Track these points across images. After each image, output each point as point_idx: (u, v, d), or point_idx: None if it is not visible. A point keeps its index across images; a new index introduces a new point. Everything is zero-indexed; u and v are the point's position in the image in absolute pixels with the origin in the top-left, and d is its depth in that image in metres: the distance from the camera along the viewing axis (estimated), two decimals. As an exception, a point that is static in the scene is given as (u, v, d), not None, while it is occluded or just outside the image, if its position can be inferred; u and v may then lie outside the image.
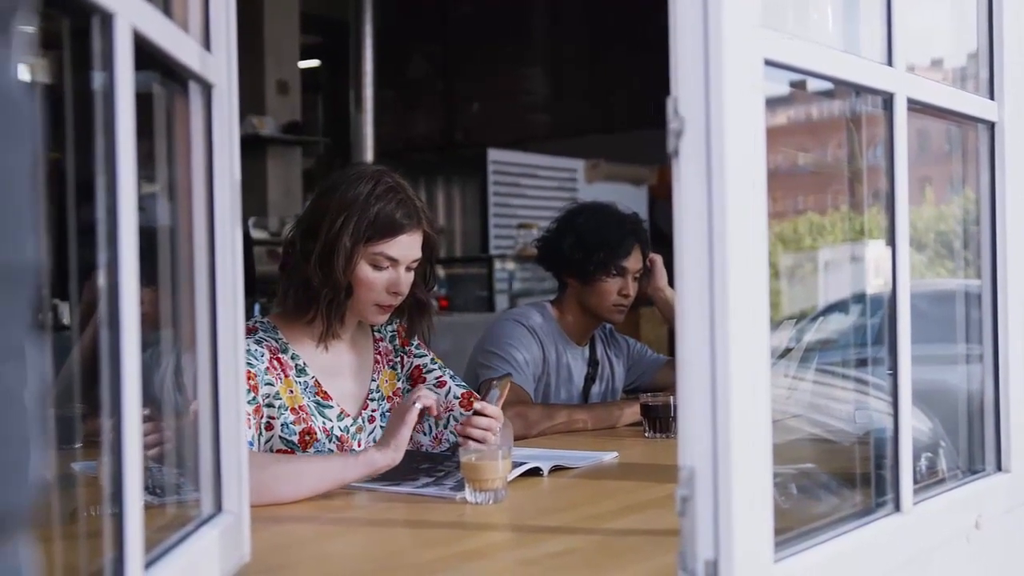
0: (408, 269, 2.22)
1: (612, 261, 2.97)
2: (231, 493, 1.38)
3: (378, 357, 2.37)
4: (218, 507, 1.37)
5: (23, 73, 0.60)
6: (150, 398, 1.14)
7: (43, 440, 0.61)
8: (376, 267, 2.18)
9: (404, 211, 2.18)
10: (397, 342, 2.41)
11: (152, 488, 1.39)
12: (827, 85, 1.56)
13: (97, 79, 1.01)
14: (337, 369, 2.28)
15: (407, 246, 2.19)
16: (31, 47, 0.63)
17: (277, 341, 2.21)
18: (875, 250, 1.85)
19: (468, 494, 1.86)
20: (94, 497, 1.43)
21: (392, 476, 2.02)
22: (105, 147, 1.00)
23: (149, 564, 1.09)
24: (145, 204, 1.14)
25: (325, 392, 2.23)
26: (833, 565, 1.36)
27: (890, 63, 1.51)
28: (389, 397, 2.35)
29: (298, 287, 2.20)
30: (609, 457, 2.33)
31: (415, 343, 2.42)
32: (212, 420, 1.36)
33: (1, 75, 0.58)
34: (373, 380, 2.34)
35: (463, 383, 2.40)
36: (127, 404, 1.01)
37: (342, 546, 1.66)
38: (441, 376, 2.39)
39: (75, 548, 1.21)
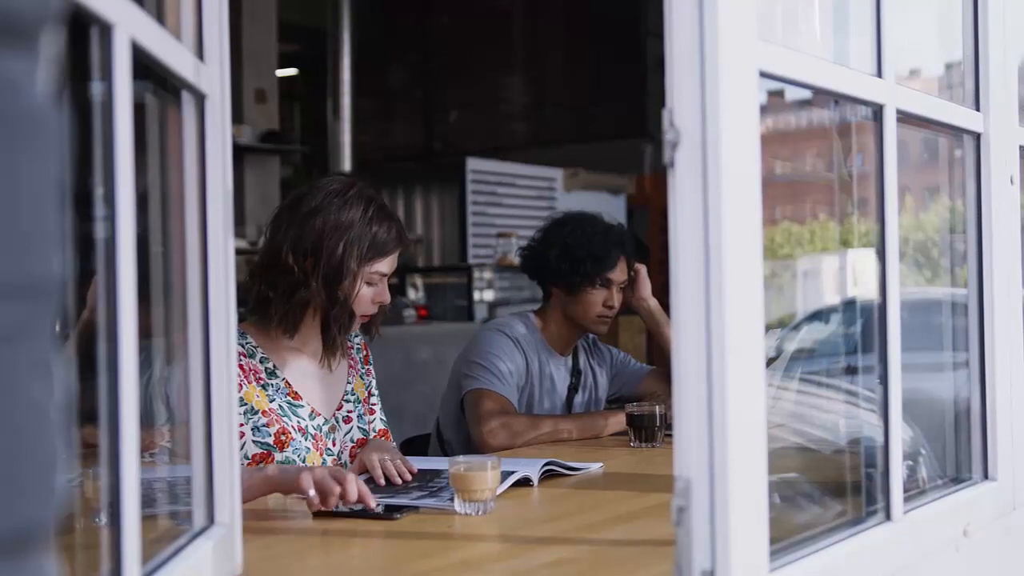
0: (389, 280, 2.33)
1: (598, 273, 2.96)
2: (223, 505, 1.37)
3: (351, 363, 2.44)
4: (211, 519, 1.36)
5: (49, 87, 0.60)
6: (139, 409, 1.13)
7: (67, 454, 0.61)
8: (370, 283, 2.28)
9: (397, 229, 2.30)
10: (361, 356, 2.50)
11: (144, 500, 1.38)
12: (805, 94, 1.57)
13: (95, 89, 1.00)
14: (310, 372, 2.33)
15: (395, 260, 2.32)
16: (56, 61, 0.62)
17: (244, 346, 2.25)
18: (854, 259, 1.87)
19: (457, 505, 1.85)
20: (82, 509, 1.42)
21: (385, 490, 2.01)
22: (104, 157, 0.99)
23: (145, 577, 1.08)
24: (137, 214, 1.13)
25: (296, 392, 2.28)
26: (827, 574, 1.36)
27: (879, 74, 1.52)
28: (364, 400, 2.43)
29: (298, 307, 2.24)
30: (595, 467, 2.33)
31: (370, 364, 2.52)
32: (204, 432, 1.36)
33: (28, 90, 0.58)
34: (348, 383, 2.40)
35: (385, 419, 2.49)
36: (124, 417, 1.00)
37: (333, 558, 1.66)
38: (375, 405, 2.49)
39: (67, 559, 1.20)
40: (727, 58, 1.15)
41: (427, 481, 2.11)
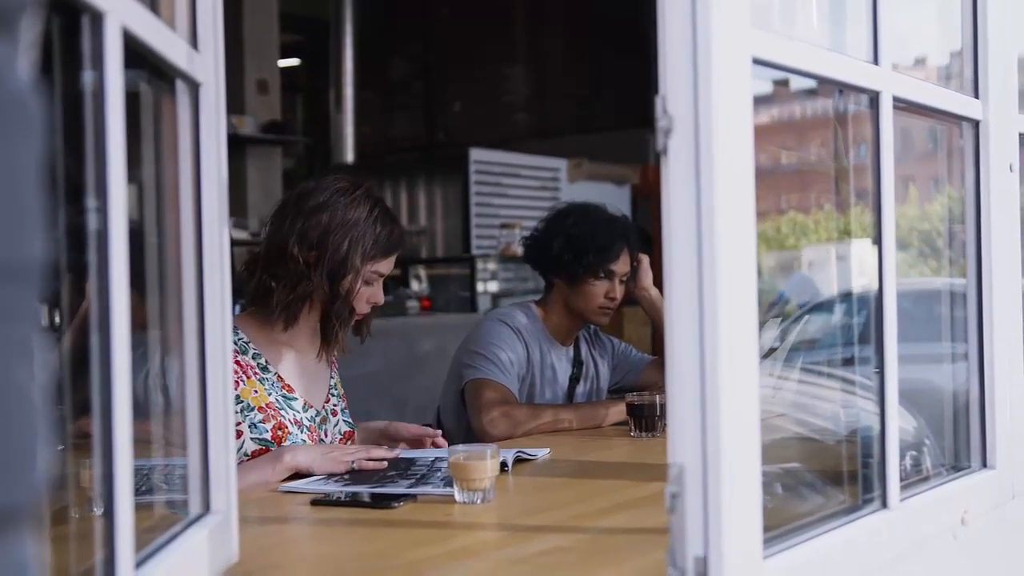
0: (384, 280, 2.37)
1: (600, 264, 2.96)
2: (219, 493, 1.37)
3: (333, 360, 2.48)
4: (206, 507, 1.36)
5: (28, 72, 0.60)
6: (135, 399, 1.14)
7: (49, 435, 0.61)
8: (368, 282, 2.30)
9: (399, 232, 2.34)
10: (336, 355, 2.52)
11: (139, 488, 1.39)
12: (810, 84, 1.56)
13: (86, 78, 1.00)
14: (299, 366, 2.36)
15: (392, 262, 2.36)
16: (35, 46, 0.63)
17: (236, 343, 2.26)
18: (859, 249, 1.86)
19: (456, 493, 1.85)
20: (78, 498, 1.42)
21: (371, 480, 2.02)
22: (95, 147, 0.99)
23: (139, 564, 1.09)
24: (130, 205, 1.13)
25: (289, 385, 2.31)
26: (822, 561, 1.36)
27: (876, 62, 1.52)
28: (343, 396, 2.48)
29: (299, 299, 2.26)
30: (543, 453, 2.35)
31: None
32: (200, 421, 1.36)
33: (8, 75, 0.58)
34: (332, 377, 2.46)
35: (350, 421, 2.49)
36: (117, 405, 1.00)
37: (330, 546, 1.66)
38: (339, 405, 2.49)
39: (63, 549, 1.20)
40: (720, 45, 1.15)
41: (405, 470, 2.12)
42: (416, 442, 2.42)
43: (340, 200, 2.27)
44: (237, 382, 2.20)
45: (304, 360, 2.37)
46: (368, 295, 2.31)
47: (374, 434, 2.48)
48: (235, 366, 2.21)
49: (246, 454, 2.18)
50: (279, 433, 2.23)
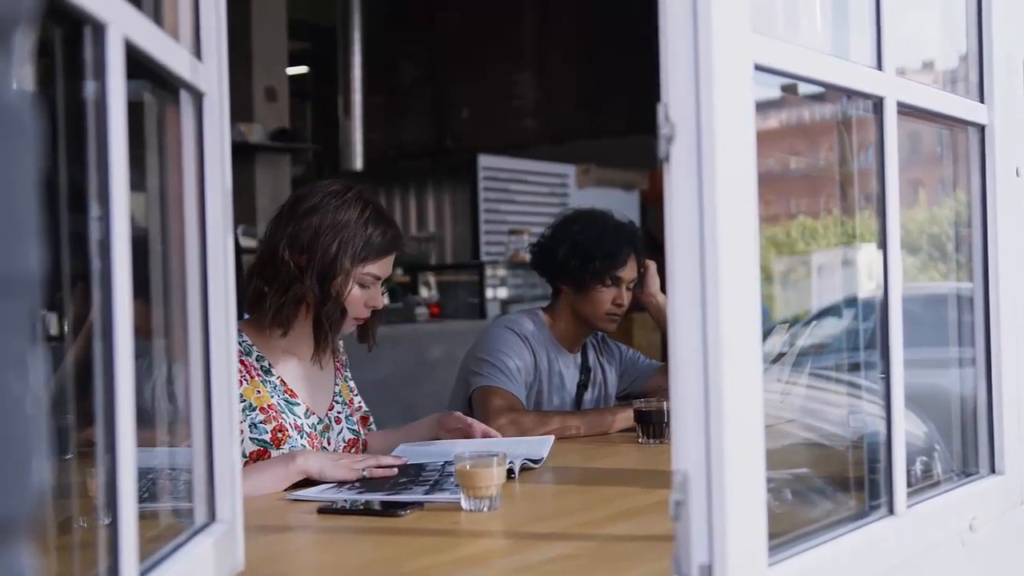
0: (383, 285, 2.36)
1: (608, 271, 2.96)
2: (224, 502, 1.37)
3: (338, 366, 2.48)
4: (212, 516, 1.36)
5: (24, 84, 0.60)
6: (141, 408, 1.14)
7: (45, 447, 0.61)
8: (362, 286, 2.30)
9: (393, 233, 2.33)
10: (345, 360, 2.54)
11: (144, 496, 1.39)
12: (817, 89, 1.56)
13: (89, 88, 1.01)
14: (302, 373, 2.36)
15: (390, 265, 2.35)
16: (31, 58, 0.63)
17: (240, 344, 2.27)
18: (867, 254, 1.86)
19: (463, 501, 1.85)
20: (84, 507, 1.42)
21: (383, 488, 2.02)
22: (97, 156, 1.00)
23: (143, 573, 1.09)
24: (135, 213, 1.14)
25: (291, 390, 2.32)
26: (828, 568, 1.36)
27: (880, 67, 1.51)
28: (349, 403, 2.47)
29: (291, 303, 2.26)
30: (548, 444, 2.37)
31: (347, 369, 2.55)
32: (205, 429, 1.36)
33: (2, 87, 0.58)
34: (336, 384, 2.45)
35: (356, 429, 2.49)
36: (121, 414, 1.00)
37: (336, 555, 1.66)
38: (357, 398, 2.52)
39: (68, 558, 1.21)
40: (721, 52, 1.15)
41: (416, 476, 2.12)
42: (464, 433, 2.43)
43: (331, 203, 2.27)
44: (240, 381, 2.20)
45: (307, 367, 2.37)
46: (365, 299, 2.31)
47: (432, 427, 2.49)
48: (239, 366, 2.22)
49: (244, 454, 2.19)
50: (279, 436, 2.23)
